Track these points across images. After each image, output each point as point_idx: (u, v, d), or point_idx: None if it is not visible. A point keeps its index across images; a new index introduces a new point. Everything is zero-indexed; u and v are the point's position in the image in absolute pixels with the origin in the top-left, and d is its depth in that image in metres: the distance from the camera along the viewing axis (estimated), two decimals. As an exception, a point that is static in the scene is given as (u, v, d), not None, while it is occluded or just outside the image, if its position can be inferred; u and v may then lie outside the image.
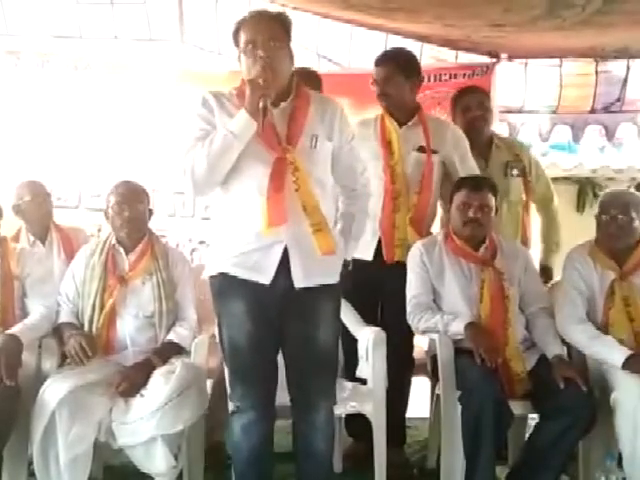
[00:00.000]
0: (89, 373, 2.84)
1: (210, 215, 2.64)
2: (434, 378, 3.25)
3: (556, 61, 5.13)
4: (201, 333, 3.09)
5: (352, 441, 3.54)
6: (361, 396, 3.02)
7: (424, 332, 3.18)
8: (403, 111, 3.47)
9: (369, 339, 3.03)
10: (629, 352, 2.85)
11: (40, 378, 2.86)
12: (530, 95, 5.27)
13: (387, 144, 3.43)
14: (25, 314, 3.05)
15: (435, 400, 3.27)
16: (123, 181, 3.16)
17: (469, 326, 3.00)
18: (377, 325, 3.20)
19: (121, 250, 3.10)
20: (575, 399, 2.81)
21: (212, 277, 2.57)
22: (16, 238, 3.62)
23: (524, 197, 3.81)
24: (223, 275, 2.51)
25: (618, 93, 5.17)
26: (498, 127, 4.53)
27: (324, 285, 2.52)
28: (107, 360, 2.99)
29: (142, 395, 2.76)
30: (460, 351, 3.03)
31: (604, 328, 3.02)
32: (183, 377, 2.74)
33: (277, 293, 2.47)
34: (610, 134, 5.47)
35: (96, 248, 3.13)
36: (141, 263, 3.08)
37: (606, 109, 5.22)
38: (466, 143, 3.54)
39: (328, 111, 2.58)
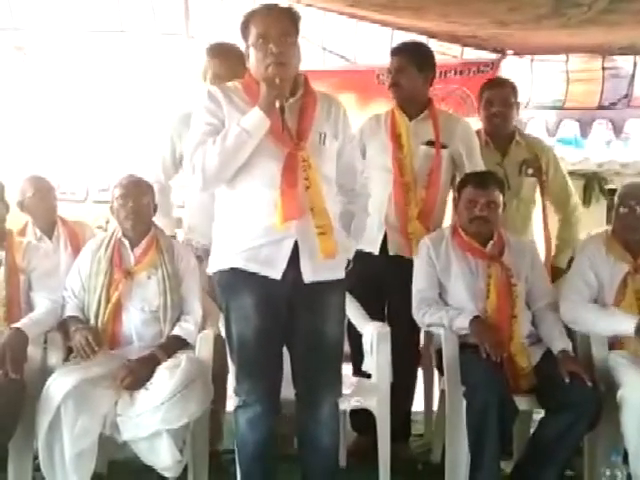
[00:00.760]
0: (94, 367, 2.84)
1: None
2: (439, 373, 3.25)
3: (562, 57, 5.15)
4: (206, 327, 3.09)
5: (356, 436, 3.53)
6: (365, 391, 3.02)
7: (429, 327, 3.17)
8: (414, 104, 3.45)
9: (373, 334, 3.02)
10: (638, 317, 2.86)
11: (45, 372, 2.85)
12: (537, 90, 5.26)
13: (397, 137, 3.42)
14: (31, 308, 3.05)
15: (440, 395, 3.28)
16: (127, 175, 3.16)
17: (474, 321, 2.99)
18: (384, 320, 3.19)
19: (127, 244, 3.09)
20: (580, 394, 2.81)
21: (221, 272, 2.56)
22: (22, 232, 3.63)
23: (539, 197, 3.79)
24: (233, 270, 2.50)
25: (626, 89, 5.17)
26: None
27: (332, 280, 2.53)
28: (113, 354, 2.98)
29: (147, 389, 2.76)
30: (465, 346, 3.02)
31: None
32: (188, 371, 2.73)
33: (286, 287, 2.48)
34: (617, 130, 5.47)
35: (102, 242, 3.13)
36: (147, 257, 3.07)
37: (613, 105, 5.22)
38: (475, 139, 3.53)
39: (333, 109, 2.59)
